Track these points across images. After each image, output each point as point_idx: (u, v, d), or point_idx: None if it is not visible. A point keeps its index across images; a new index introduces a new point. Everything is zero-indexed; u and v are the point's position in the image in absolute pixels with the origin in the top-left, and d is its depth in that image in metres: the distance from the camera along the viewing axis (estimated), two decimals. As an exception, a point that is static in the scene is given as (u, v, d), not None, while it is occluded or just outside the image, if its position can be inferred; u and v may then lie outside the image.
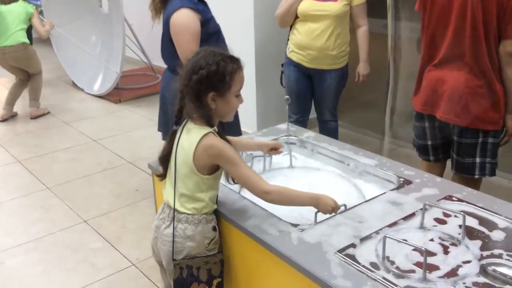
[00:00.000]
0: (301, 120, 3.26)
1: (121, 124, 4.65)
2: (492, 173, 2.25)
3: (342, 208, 1.54)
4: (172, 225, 1.56)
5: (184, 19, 2.31)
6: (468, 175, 2.25)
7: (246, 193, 1.69)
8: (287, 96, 2.02)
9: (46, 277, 2.54)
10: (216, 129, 1.53)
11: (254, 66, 3.78)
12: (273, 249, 1.40)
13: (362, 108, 4.63)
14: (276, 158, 1.98)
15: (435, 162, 2.44)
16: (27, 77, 4.77)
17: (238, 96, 1.53)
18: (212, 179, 1.55)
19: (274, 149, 1.88)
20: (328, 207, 1.50)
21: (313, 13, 2.98)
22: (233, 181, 1.61)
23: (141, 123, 4.67)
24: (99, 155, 3.98)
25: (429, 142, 2.41)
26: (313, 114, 4.24)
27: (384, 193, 1.67)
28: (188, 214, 1.55)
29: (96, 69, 5.56)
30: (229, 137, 1.66)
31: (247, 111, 3.90)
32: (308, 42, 3.04)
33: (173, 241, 1.56)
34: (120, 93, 5.37)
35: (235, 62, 1.51)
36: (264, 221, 1.52)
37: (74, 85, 5.77)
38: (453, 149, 2.29)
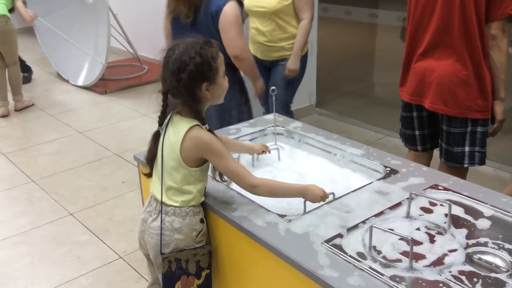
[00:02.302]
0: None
1: (107, 116, 4.60)
2: (482, 162, 2.26)
3: (331, 196, 1.54)
4: (159, 218, 1.55)
5: (237, 12, 2.34)
6: (457, 164, 2.26)
7: (234, 185, 1.68)
8: (273, 87, 2.00)
9: (32, 271, 2.52)
10: (207, 127, 1.52)
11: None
12: (261, 240, 1.40)
13: (349, 97, 4.65)
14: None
15: (422, 151, 2.45)
16: (2, 65, 4.60)
17: (224, 76, 1.53)
18: (199, 171, 1.53)
19: (262, 152, 1.90)
20: (317, 197, 1.51)
21: (254, 9, 3.03)
22: (221, 178, 1.60)
23: (128, 114, 4.62)
24: (85, 147, 3.94)
25: (417, 132, 2.42)
26: (301, 104, 4.24)
27: (371, 182, 1.67)
28: (176, 206, 1.54)
29: (82, 60, 5.49)
30: (218, 134, 1.65)
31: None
32: (256, 36, 3.11)
33: (161, 234, 1.55)
34: (106, 84, 5.31)
35: (211, 45, 1.49)
36: (251, 212, 1.51)
37: (59, 76, 5.69)
38: (442, 139, 2.30)
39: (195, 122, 1.49)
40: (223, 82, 1.53)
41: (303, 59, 3.14)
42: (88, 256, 2.60)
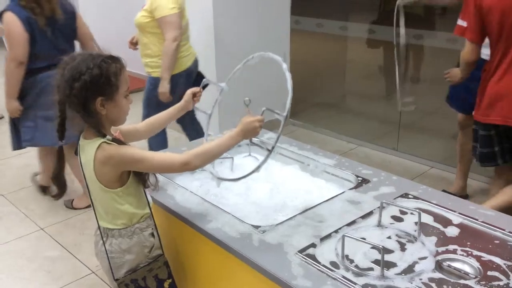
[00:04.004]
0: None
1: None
2: None
3: (264, 108, 1.47)
4: (106, 241, 1.50)
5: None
6: None
7: (207, 196, 1.68)
8: (247, 98, 2.01)
9: (0, 287, 2.45)
10: (110, 137, 1.41)
11: (215, 68, 3.77)
12: (235, 251, 1.40)
13: (321, 108, 4.70)
14: (238, 160, 1.98)
15: (503, 163, 2.45)
16: None
17: (127, 96, 1.43)
18: (126, 189, 1.45)
19: (194, 96, 1.76)
20: (256, 130, 1.45)
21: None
22: (144, 185, 1.50)
23: (100, 126, 4.56)
24: (56, 160, 3.86)
25: (496, 148, 2.40)
26: (275, 115, 4.26)
27: (343, 192, 1.69)
28: (120, 229, 1.48)
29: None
30: (140, 125, 1.59)
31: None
32: None
33: (109, 261, 1.49)
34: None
35: (117, 62, 1.40)
36: (225, 223, 1.51)
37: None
38: None
39: (99, 141, 1.39)
40: (123, 103, 1.42)
41: (174, 79, 3.02)
42: (59, 272, 2.55)
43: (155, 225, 1.55)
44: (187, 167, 1.41)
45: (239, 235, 1.45)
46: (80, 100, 1.35)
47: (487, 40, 2.45)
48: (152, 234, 1.53)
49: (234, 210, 1.59)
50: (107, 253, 1.49)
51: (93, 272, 2.53)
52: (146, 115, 3.13)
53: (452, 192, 2.95)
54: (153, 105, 3.07)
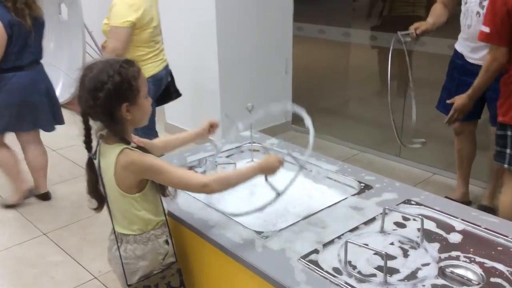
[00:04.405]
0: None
1: (81, 133, 4.53)
2: None
3: (284, 151, 1.50)
4: (121, 247, 1.50)
5: None
6: None
7: (211, 201, 1.68)
8: (250, 104, 2.02)
9: (3, 293, 2.45)
10: (134, 145, 1.41)
11: (218, 74, 3.78)
12: (237, 257, 1.40)
13: (324, 114, 4.71)
14: (241, 166, 1.98)
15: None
16: None
17: (146, 97, 1.44)
18: (143, 195, 1.46)
19: (211, 127, 1.79)
20: (275, 168, 1.47)
21: None
22: (163, 194, 1.50)
23: (103, 132, 4.57)
24: (58, 165, 3.87)
25: (508, 151, 2.33)
26: (277, 121, 4.28)
27: (346, 198, 1.69)
28: (136, 235, 1.49)
29: (56, 77, 5.40)
30: (156, 141, 1.59)
31: (211, 118, 3.89)
32: None
33: (123, 266, 1.50)
34: (81, 101, 5.24)
35: (133, 65, 1.41)
36: (228, 229, 1.52)
37: (32, 93, 5.60)
38: None
39: (122, 147, 1.39)
40: (146, 104, 1.43)
41: None
42: (62, 277, 2.55)
43: (169, 232, 1.55)
44: (205, 189, 1.42)
45: (241, 241, 1.45)
46: (106, 109, 1.36)
47: (476, 44, 2.52)
48: (167, 241, 1.53)
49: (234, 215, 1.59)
50: (121, 259, 1.49)
51: (96, 278, 2.53)
52: None
53: (454, 198, 2.94)
54: None
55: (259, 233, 1.49)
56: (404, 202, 1.64)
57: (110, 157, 1.40)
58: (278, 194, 1.46)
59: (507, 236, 1.42)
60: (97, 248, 2.78)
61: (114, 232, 1.51)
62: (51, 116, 3.25)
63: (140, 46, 3.01)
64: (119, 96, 1.36)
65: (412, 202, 1.63)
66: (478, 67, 2.45)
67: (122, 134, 1.40)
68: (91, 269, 2.60)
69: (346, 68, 4.75)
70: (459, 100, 2.44)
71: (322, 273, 1.29)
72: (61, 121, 3.35)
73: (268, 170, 1.47)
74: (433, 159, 3.61)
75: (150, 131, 3.19)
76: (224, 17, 3.69)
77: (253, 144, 2.16)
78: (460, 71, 2.73)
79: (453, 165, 3.31)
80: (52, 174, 3.67)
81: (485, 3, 2.44)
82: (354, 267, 1.31)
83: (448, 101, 2.51)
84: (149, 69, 3.05)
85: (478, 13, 2.53)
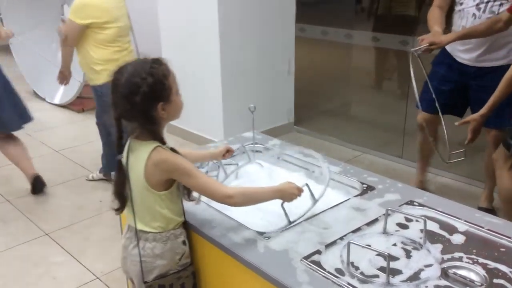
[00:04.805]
0: None
1: (84, 134, 4.55)
2: None
3: (306, 188, 1.54)
4: (138, 245, 1.51)
5: None
6: None
7: (212, 202, 1.68)
8: (252, 105, 2.03)
9: (5, 293, 2.46)
10: (169, 145, 1.46)
11: (220, 75, 3.79)
12: (240, 258, 1.40)
13: (326, 115, 4.71)
14: (243, 167, 1.98)
15: None
16: None
17: (177, 92, 1.47)
18: (169, 193, 1.49)
19: (227, 153, 1.84)
20: (293, 196, 1.51)
21: None
22: (188, 197, 1.54)
23: (105, 132, 4.57)
24: (61, 166, 3.88)
25: None
26: (280, 122, 4.28)
27: (348, 199, 1.69)
28: (155, 232, 1.50)
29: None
30: (180, 150, 1.63)
31: (214, 119, 3.90)
32: None
33: (141, 262, 1.51)
34: (83, 102, 5.25)
35: (161, 63, 1.43)
36: (230, 229, 1.51)
37: (35, 94, 5.62)
38: None
39: (155, 144, 1.43)
40: (178, 100, 1.47)
41: (102, 88, 3.08)
42: (64, 277, 2.55)
43: (187, 234, 1.56)
44: (229, 200, 1.45)
45: (244, 241, 1.45)
46: (142, 111, 1.39)
47: (470, 46, 2.58)
48: (184, 242, 1.55)
49: (239, 216, 1.59)
50: (140, 257, 1.50)
51: (98, 278, 2.53)
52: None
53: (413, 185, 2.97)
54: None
55: (261, 233, 1.49)
56: (406, 203, 1.63)
57: (142, 153, 1.43)
58: (290, 222, 1.53)
59: (510, 237, 1.42)
60: (99, 248, 2.78)
61: (135, 230, 1.51)
62: (14, 114, 3.22)
63: (101, 45, 3.04)
64: (154, 96, 1.39)
65: (415, 203, 1.63)
66: (469, 67, 2.65)
67: (157, 132, 1.45)
68: (93, 270, 2.60)
69: (349, 69, 4.75)
70: (474, 122, 2.32)
71: (324, 273, 1.29)
72: (27, 119, 3.34)
73: (286, 195, 1.51)
74: (435, 160, 3.60)
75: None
76: (227, 18, 3.70)
77: (256, 145, 2.16)
78: (446, 69, 2.78)
79: (456, 167, 3.32)
80: (55, 175, 3.68)
81: (482, 6, 2.51)
82: (357, 268, 1.31)
83: (458, 124, 2.41)
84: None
85: (474, 14, 2.57)
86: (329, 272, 1.29)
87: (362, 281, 1.26)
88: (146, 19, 5.00)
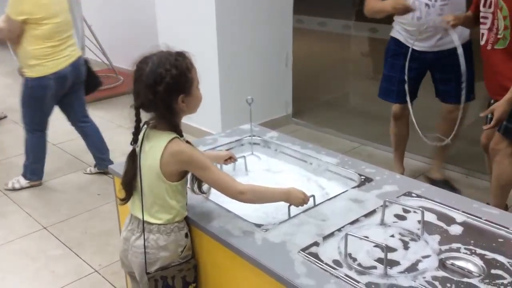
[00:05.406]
0: None
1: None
2: None
3: (311, 199, 1.57)
4: (142, 236, 1.52)
5: None
6: None
7: (211, 196, 1.68)
8: (250, 97, 2.02)
9: (5, 286, 2.45)
10: (185, 139, 1.49)
11: (218, 67, 3.77)
12: (237, 250, 1.40)
13: (324, 107, 4.70)
14: (241, 159, 1.98)
15: None
16: None
17: (198, 86, 1.50)
18: (180, 185, 1.51)
19: (230, 159, 1.88)
20: (299, 200, 1.53)
21: None
22: (199, 189, 1.57)
23: (103, 125, 4.53)
24: (58, 159, 3.87)
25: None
26: (278, 114, 4.27)
27: (346, 191, 1.69)
28: (160, 224, 1.50)
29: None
30: None
31: (212, 111, 3.88)
32: None
33: (145, 253, 1.51)
34: (80, 95, 5.23)
35: (185, 56, 1.46)
36: (228, 222, 1.51)
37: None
38: None
39: (173, 135, 1.46)
40: (198, 93, 1.50)
41: (42, 81, 3.06)
42: (62, 271, 2.55)
43: (189, 227, 1.57)
44: (241, 196, 1.48)
45: (242, 234, 1.45)
46: (164, 102, 1.41)
47: (427, 34, 2.68)
48: (187, 235, 1.55)
49: (236, 208, 1.59)
50: (144, 248, 1.50)
51: (96, 271, 2.53)
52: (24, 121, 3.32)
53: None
54: (32, 106, 3.19)
55: (259, 226, 1.48)
56: (404, 195, 1.63)
57: (159, 142, 1.45)
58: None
59: (508, 228, 1.42)
60: (97, 241, 2.78)
61: (138, 221, 1.52)
62: None
63: (38, 40, 3.00)
64: (177, 88, 1.42)
65: (413, 195, 1.63)
66: (429, 53, 2.78)
67: (176, 124, 1.47)
68: (91, 263, 2.60)
69: (346, 60, 4.74)
70: (500, 108, 2.28)
71: (322, 265, 1.29)
72: None
73: (293, 198, 1.54)
74: (433, 151, 3.60)
75: (38, 126, 3.30)
76: (224, 10, 3.68)
77: (253, 138, 2.15)
78: (404, 58, 2.81)
79: (453, 158, 3.33)
80: (52, 168, 3.67)
81: None
82: (354, 260, 1.31)
83: (482, 114, 2.38)
84: (51, 66, 3.07)
85: (427, 5, 2.67)
86: (326, 264, 1.29)
87: (360, 273, 1.26)
88: (144, 12, 4.98)
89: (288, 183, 1.83)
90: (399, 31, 2.90)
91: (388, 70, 3.01)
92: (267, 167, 2.03)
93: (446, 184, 3.09)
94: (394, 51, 2.94)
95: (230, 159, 1.89)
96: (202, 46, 3.81)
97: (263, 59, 4.07)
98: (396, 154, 3.30)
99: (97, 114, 4.85)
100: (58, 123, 4.76)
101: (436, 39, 2.76)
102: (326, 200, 1.63)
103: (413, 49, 2.76)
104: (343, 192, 1.68)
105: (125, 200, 1.56)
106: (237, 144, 2.14)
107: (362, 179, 1.75)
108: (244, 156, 2.00)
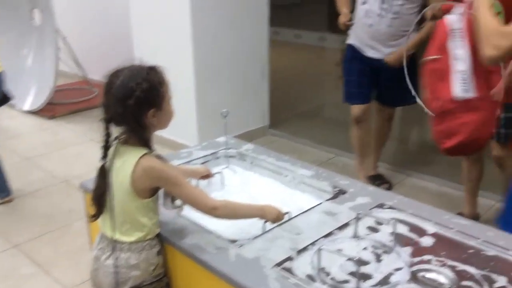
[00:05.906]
0: None
1: (55, 141, 4.46)
2: None
3: (286, 216, 1.57)
4: (113, 255, 1.48)
5: None
6: None
7: (184, 212, 1.66)
8: (225, 110, 2.01)
9: (-28, 308, 2.37)
10: (157, 153, 1.47)
11: (194, 79, 3.76)
12: (211, 267, 1.38)
13: (301, 118, 4.73)
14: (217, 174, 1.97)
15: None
16: None
17: (169, 101, 1.49)
18: (152, 202, 1.48)
19: (206, 176, 1.86)
20: (273, 216, 1.53)
21: None
22: (172, 203, 1.56)
23: (76, 139, 4.49)
24: (30, 174, 3.78)
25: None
26: (255, 125, 4.27)
27: (320, 203, 1.69)
28: (131, 242, 1.47)
29: (28, 84, 5.30)
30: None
31: (188, 124, 3.86)
32: None
33: (116, 273, 1.47)
34: (54, 108, 5.14)
35: (157, 71, 1.45)
36: (201, 239, 1.49)
37: (4, 101, 5.47)
38: None
39: (144, 151, 1.43)
40: (170, 108, 1.48)
41: None
42: (33, 290, 2.48)
43: (162, 244, 1.54)
44: (214, 212, 1.46)
45: (215, 250, 1.44)
46: (134, 116, 1.39)
47: (373, 45, 2.84)
48: (159, 252, 1.52)
49: (210, 224, 1.57)
50: (114, 268, 1.47)
51: (69, 289, 2.48)
52: None
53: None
54: None
55: (233, 241, 1.47)
56: (377, 206, 1.64)
57: (130, 157, 1.43)
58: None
59: (478, 238, 1.44)
60: (69, 260, 2.72)
61: (111, 239, 1.48)
62: None
63: None
64: (147, 102, 1.40)
65: (385, 206, 1.64)
66: (376, 60, 2.94)
67: (146, 139, 1.45)
68: (64, 281, 2.54)
69: (322, 71, 4.78)
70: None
71: (295, 281, 1.28)
72: None
73: (269, 214, 1.54)
74: (407, 161, 3.65)
75: None
76: (200, 21, 3.67)
77: (229, 150, 2.15)
78: (359, 62, 3.02)
79: (427, 167, 3.38)
80: (23, 184, 3.59)
81: (385, 6, 2.78)
82: (328, 274, 1.31)
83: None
84: None
85: (379, 15, 2.83)
86: (300, 279, 1.29)
87: (333, 287, 1.25)
88: (119, 24, 4.94)
89: (263, 196, 1.83)
90: (354, 38, 3.06)
91: (346, 74, 3.15)
92: (243, 180, 2.02)
93: (379, 178, 3.31)
94: (351, 56, 3.09)
95: (207, 176, 1.87)
96: (178, 58, 3.80)
97: (239, 70, 4.07)
98: (359, 159, 3.37)
99: (69, 128, 4.79)
100: (30, 138, 4.66)
101: (387, 50, 2.93)
102: (300, 214, 1.63)
103: (364, 55, 2.96)
104: (317, 205, 1.68)
105: (95, 216, 1.53)
106: (212, 157, 2.13)
107: (336, 191, 1.76)
108: (220, 172, 1.97)
